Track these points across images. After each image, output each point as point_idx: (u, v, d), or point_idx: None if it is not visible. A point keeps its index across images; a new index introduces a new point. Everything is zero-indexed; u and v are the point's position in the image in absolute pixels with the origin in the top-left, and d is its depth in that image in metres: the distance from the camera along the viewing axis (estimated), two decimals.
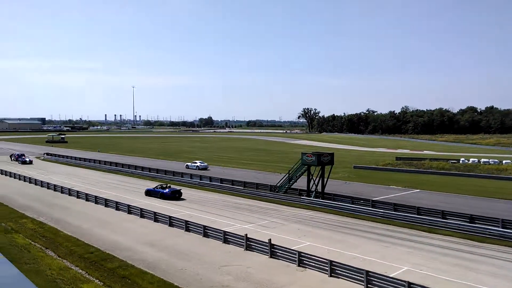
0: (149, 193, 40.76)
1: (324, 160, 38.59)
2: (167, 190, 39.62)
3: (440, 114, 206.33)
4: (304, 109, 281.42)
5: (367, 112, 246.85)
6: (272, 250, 22.08)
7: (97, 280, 18.81)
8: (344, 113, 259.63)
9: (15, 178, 52.96)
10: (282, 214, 33.12)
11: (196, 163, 65.24)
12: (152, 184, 45.62)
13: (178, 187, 42.19)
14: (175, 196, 39.34)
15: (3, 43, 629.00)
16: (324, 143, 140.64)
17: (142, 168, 61.18)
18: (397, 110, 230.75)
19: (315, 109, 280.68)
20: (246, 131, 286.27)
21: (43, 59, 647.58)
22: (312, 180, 38.77)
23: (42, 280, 18.16)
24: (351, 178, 55.32)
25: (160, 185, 41.47)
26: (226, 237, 24.83)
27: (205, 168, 63.71)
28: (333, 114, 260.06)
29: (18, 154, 76.34)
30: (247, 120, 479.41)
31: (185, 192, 42.99)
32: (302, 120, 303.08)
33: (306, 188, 39.09)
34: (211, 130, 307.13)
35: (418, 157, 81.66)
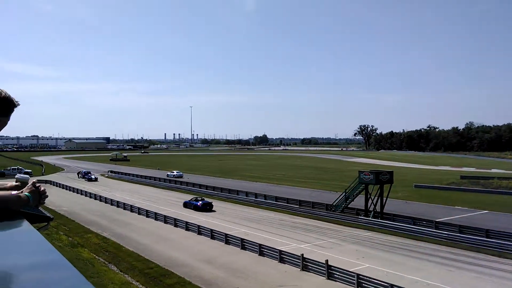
0: (186, 204, 45.16)
1: (383, 178, 37.36)
2: (200, 202, 43.97)
3: (509, 130, 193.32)
4: (360, 126, 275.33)
5: (428, 129, 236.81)
6: (329, 272, 21.53)
7: None
8: (403, 129, 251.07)
9: (81, 194, 56.10)
10: (339, 234, 32.32)
11: (173, 172, 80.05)
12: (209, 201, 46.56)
13: (210, 200, 45.84)
14: (206, 208, 43.13)
15: (75, 68, 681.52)
16: (383, 161, 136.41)
17: (200, 186, 62.57)
18: (461, 126, 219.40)
19: (372, 125, 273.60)
20: (300, 149, 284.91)
21: (110, 83, 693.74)
22: (370, 200, 37.62)
23: None
24: (412, 197, 52.99)
25: (195, 197, 46.29)
26: (282, 256, 24.59)
27: (180, 177, 76.21)
28: (391, 131, 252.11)
29: (84, 172, 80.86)
30: (302, 137, 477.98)
31: (241, 209, 43.29)
32: (359, 137, 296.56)
33: (364, 208, 37.97)
34: (266, 148, 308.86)
35: (485, 176, 76.72)
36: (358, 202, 39.92)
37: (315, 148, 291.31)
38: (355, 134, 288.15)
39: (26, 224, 1.83)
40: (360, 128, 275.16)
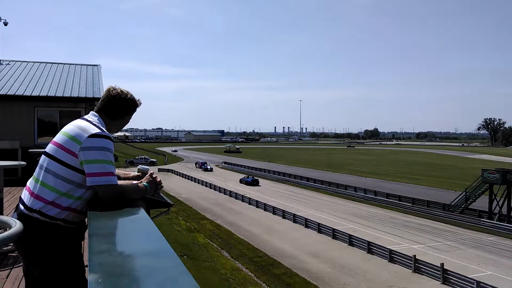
0: (241, 181, 59.54)
1: (511, 178, 33.54)
2: (249, 178, 60.04)
3: None
4: (485, 119, 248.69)
5: None
6: (445, 276, 20.13)
7: (264, 284, 20.01)
8: None
9: (198, 183, 60.26)
10: (457, 237, 29.90)
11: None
12: (315, 195, 46.66)
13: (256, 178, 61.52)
14: (253, 183, 58.14)
15: (198, 67, 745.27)
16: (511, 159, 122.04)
17: (307, 179, 62.81)
18: None
19: (499, 119, 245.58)
20: (415, 143, 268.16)
21: (229, 80, 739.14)
22: (495, 201, 34.07)
23: (217, 278, 20.21)
24: None
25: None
26: (392, 256, 23.64)
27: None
28: None
29: (201, 162, 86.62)
30: (417, 131, 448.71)
31: (349, 205, 42.54)
32: (483, 132, 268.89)
33: (487, 210, 34.53)
34: (377, 142, 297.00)
35: None
36: (481, 203, 36.38)
37: (431, 143, 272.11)
38: (478, 129, 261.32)
39: (142, 212, 2.01)
40: (485, 121, 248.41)
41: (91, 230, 1.70)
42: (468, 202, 36.52)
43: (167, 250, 1.39)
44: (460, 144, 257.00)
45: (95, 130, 2.18)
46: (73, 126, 2.24)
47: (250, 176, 62.25)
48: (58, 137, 2.24)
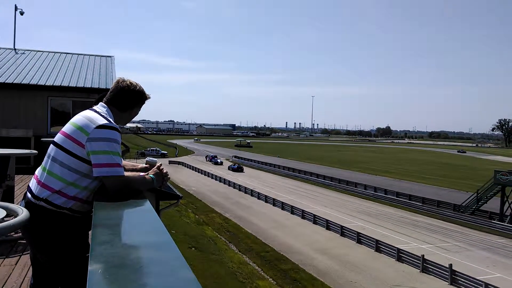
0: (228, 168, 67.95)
1: None
2: (236, 166, 70.00)
3: None
4: (500, 120, 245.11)
5: None
6: (453, 277, 19.99)
7: (271, 279, 20.08)
8: None
9: (208, 176, 60.53)
10: (467, 238, 29.62)
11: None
12: (325, 192, 46.54)
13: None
14: (238, 170, 67.74)
15: (211, 61, 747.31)
16: None
17: (317, 175, 62.64)
18: None
19: None
20: (427, 143, 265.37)
21: (241, 73, 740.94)
22: (507, 203, 33.64)
23: (224, 271, 20.33)
24: None
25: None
26: (400, 255, 23.53)
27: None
28: None
29: (212, 156, 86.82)
30: (430, 130, 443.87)
31: (358, 202, 42.38)
32: (498, 132, 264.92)
33: (498, 211, 34.12)
34: (389, 140, 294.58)
35: None
36: (492, 204, 35.95)
37: (444, 143, 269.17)
38: (493, 129, 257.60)
39: (147, 203, 1.99)
40: (500, 122, 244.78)
41: (95, 221, 1.72)
42: (480, 203, 36.11)
43: (169, 243, 1.39)
44: (474, 145, 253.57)
45: (103, 121, 2.19)
46: (81, 117, 2.26)
47: (236, 164, 73.64)
48: (67, 127, 2.27)
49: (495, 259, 24.69)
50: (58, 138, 2.26)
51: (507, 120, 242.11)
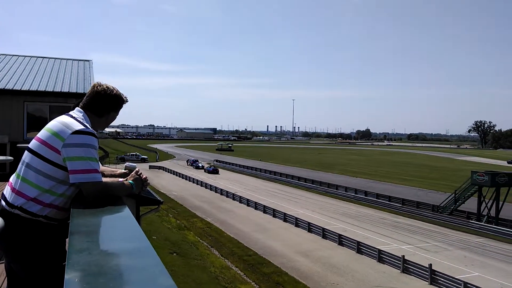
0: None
1: (500, 181, 33.91)
2: (211, 168, 72.43)
3: None
4: (476, 122, 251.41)
5: None
6: (433, 277, 20.31)
7: (254, 283, 20.03)
8: None
9: (189, 181, 60.11)
10: (446, 238, 30.18)
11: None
12: (306, 194, 46.71)
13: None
14: (213, 171, 70.04)
15: (191, 64, 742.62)
16: (501, 161, 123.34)
17: (299, 178, 62.95)
18: None
19: (489, 122, 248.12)
20: (406, 145, 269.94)
21: (222, 77, 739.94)
22: (483, 203, 34.43)
23: (206, 276, 20.20)
24: None
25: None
26: (381, 256, 23.79)
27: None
28: None
29: (193, 160, 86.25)
30: (408, 133, 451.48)
31: (339, 205, 42.70)
32: (474, 134, 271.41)
33: (476, 211, 34.89)
34: (369, 143, 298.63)
35: None
36: (470, 205, 36.77)
37: (422, 145, 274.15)
38: (469, 131, 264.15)
39: (125, 210, 1.97)
40: (476, 124, 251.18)
41: (72, 228, 1.68)
42: (457, 203, 36.85)
43: (148, 250, 1.37)
44: (456, 146, 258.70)
45: (79, 127, 2.15)
46: (56, 122, 2.21)
47: (212, 166, 75.95)
48: (42, 133, 2.21)
49: (473, 258, 25.22)
50: (33, 144, 2.21)
51: (483, 122, 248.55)
